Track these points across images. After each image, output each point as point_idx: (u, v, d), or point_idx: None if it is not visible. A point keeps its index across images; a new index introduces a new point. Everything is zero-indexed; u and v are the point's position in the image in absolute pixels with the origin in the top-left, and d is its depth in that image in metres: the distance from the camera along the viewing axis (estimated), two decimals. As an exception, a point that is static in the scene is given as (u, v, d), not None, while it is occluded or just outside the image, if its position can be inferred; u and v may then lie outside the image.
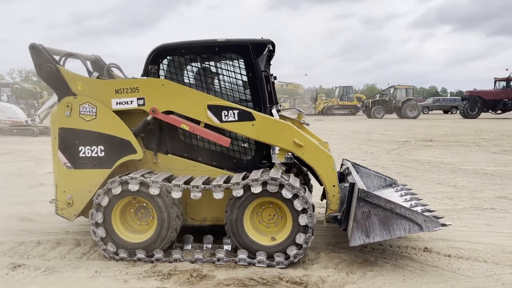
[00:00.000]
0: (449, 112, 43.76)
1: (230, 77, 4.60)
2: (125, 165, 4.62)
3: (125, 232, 4.41)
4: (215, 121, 4.42)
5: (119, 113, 4.53)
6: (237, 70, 4.57)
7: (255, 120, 4.38)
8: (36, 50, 4.52)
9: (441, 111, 44.98)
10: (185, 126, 4.46)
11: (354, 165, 5.58)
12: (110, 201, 4.27)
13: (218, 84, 4.66)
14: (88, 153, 4.51)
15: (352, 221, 4.07)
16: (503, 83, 33.92)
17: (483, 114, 34.10)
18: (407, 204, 4.53)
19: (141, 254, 4.30)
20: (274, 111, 4.87)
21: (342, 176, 5.30)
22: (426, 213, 4.15)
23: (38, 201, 6.75)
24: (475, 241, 4.86)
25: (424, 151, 13.32)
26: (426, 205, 4.68)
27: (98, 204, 4.28)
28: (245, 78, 4.56)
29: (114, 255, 4.33)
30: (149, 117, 4.54)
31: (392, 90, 37.02)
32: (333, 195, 4.44)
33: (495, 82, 34.82)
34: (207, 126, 4.50)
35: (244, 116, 4.39)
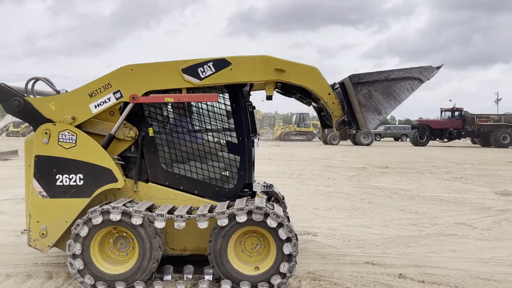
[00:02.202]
0: (400, 140, 45.74)
1: (214, 106, 4.66)
2: (102, 193, 4.51)
3: (103, 263, 4.26)
4: (195, 81, 4.38)
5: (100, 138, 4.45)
6: (221, 100, 4.65)
7: (231, 64, 4.38)
8: None
9: (392, 139, 46.92)
10: (169, 98, 4.38)
11: None
12: (89, 231, 4.14)
13: (202, 114, 4.69)
14: (66, 182, 4.37)
15: (359, 108, 4.14)
16: (449, 113, 36.07)
17: (431, 142, 35.90)
18: None
19: (121, 286, 4.16)
20: (256, 140, 4.96)
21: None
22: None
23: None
24: (444, 266, 5.09)
25: (382, 178, 13.82)
26: None
27: (77, 234, 4.13)
28: (229, 108, 4.63)
29: (92, 288, 4.18)
30: (112, 131, 4.47)
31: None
32: (332, 102, 4.46)
33: (441, 112, 36.96)
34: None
35: (220, 64, 4.37)
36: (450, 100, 40.08)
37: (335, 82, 4.82)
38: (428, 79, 4.21)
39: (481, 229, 7.05)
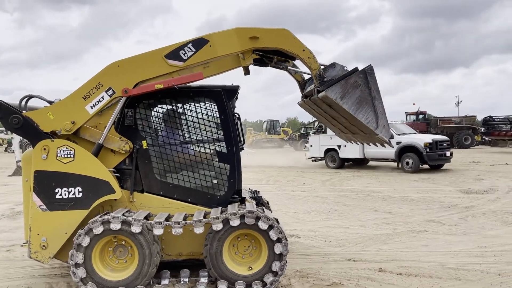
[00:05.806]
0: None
1: (203, 119, 4.97)
2: (99, 205, 4.71)
3: (104, 271, 4.48)
4: (179, 64, 4.59)
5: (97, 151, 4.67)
6: (210, 113, 4.96)
7: (209, 41, 4.59)
8: None
9: (360, 143, 48.09)
10: (159, 85, 4.57)
11: None
12: (91, 241, 4.35)
13: (193, 126, 4.99)
14: (65, 195, 4.56)
15: (343, 79, 4.47)
16: (413, 117, 37.42)
17: (398, 145, 37.05)
18: None
19: (122, 292, 4.39)
20: (245, 149, 5.29)
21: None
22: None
23: (-13, 246, 6.44)
24: (418, 259, 5.56)
25: (355, 181, 14.39)
26: None
27: (79, 244, 4.33)
28: (218, 120, 4.95)
29: (95, 294, 4.37)
30: (100, 140, 4.67)
31: (316, 123, 39.10)
32: (308, 57, 4.71)
33: (406, 115, 38.29)
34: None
35: (199, 43, 4.58)
36: (414, 104, 41.88)
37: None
38: (378, 134, 4.58)
39: (449, 225, 7.61)
